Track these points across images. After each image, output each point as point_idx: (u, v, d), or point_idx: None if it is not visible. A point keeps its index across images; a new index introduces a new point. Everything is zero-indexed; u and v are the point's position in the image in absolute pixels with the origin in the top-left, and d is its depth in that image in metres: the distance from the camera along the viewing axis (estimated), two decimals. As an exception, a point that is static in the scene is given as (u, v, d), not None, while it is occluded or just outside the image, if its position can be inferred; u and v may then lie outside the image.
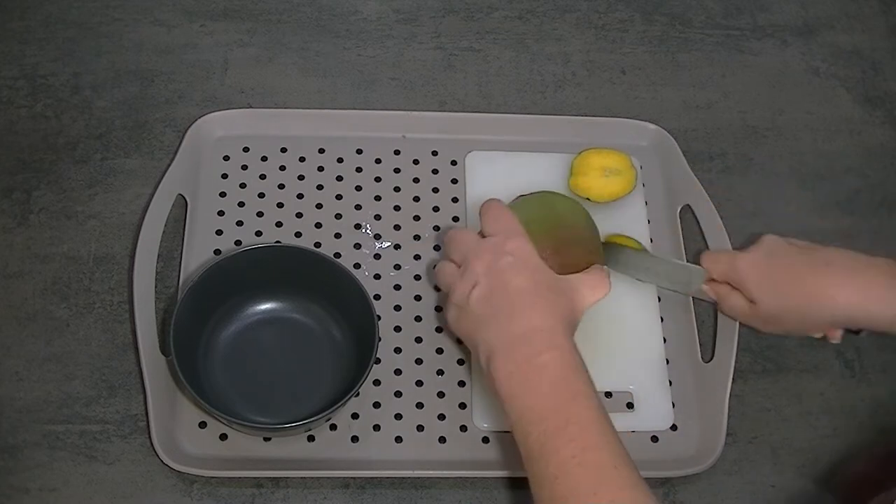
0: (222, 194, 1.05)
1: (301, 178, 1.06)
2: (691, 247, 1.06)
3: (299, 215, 1.04)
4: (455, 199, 1.06)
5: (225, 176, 1.06)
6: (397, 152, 1.08)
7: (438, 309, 1.01)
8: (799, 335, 0.98)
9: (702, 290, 0.98)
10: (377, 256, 1.03)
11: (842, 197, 1.12)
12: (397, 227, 1.04)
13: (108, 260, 1.01)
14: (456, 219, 1.05)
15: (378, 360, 0.96)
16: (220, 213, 1.04)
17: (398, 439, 0.95)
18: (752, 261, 0.94)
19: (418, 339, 0.99)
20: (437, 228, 1.05)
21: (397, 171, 1.08)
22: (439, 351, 0.99)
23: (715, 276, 0.97)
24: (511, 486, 0.94)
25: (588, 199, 1.04)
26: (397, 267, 1.03)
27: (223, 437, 0.93)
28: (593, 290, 0.87)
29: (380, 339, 0.93)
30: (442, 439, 0.95)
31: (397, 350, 0.98)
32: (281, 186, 1.06)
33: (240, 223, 1.03)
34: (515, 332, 0.82)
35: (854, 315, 0.91)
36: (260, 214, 1.04)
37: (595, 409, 0.78)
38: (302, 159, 1.07)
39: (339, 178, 1.07)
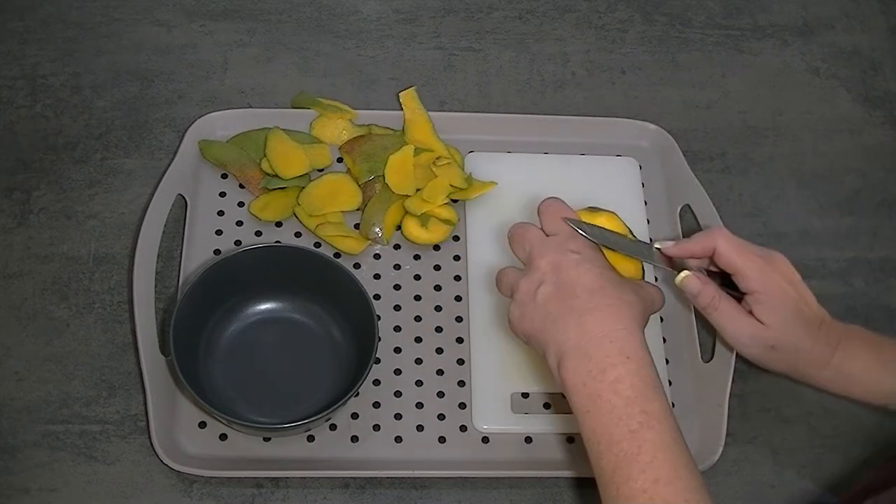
0: (222, 194, 1.05)
1: (301, 178, 1.06)
2: (691, 247, 1.06)
3: (299, 215, 1.04)
4: (455, 200, 1.06)
5: (225, 176, 1.06)
6: (397, 152, 1.09)
7: (438, 309, 1.01)
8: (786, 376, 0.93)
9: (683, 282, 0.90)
10: (377, 256, 1.03)
11: (842, 197, 1.12)
12: (397, 227, 1.04)
13: (108, 260, 1.01)
14: (456, 219, 1.05)
15: (378, 360, 0.96)
16: (220, 213, 1.04)
17: (398, 439, 0.95)
18: (763, 268, 0.88)
19: (418, 339, 0.99)
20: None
21: (397, 171, 1.08)
22: (439, 351, 0.99)
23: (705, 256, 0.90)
24: (511, 485, 0.94)
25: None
26: (397, 267, 1.03)
27: (223, 437, 0.93)
28: (654, 300, 0.87)
29: (380, 339, 0.93)
30: (442, 439, 0.95)
31: (397, 350, 0.99)
32: (281, 186, 1.06)
33: (240, 223, 1.03)
34: (588, 336, 0.79)
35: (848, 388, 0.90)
36: (260, 214, 1.04)
37: (668, 431, 0.76)
38: (302, 159, 1.07)
39: (339, 178, 1.07)
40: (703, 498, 0.74)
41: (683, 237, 1.05)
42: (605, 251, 0.89)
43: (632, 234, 0.93)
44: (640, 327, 0.82)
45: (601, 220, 0.92)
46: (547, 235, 0.89)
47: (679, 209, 1.08)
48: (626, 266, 0.91)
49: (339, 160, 1.07)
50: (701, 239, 0.90)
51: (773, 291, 0.88)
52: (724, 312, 0.89)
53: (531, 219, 0.93)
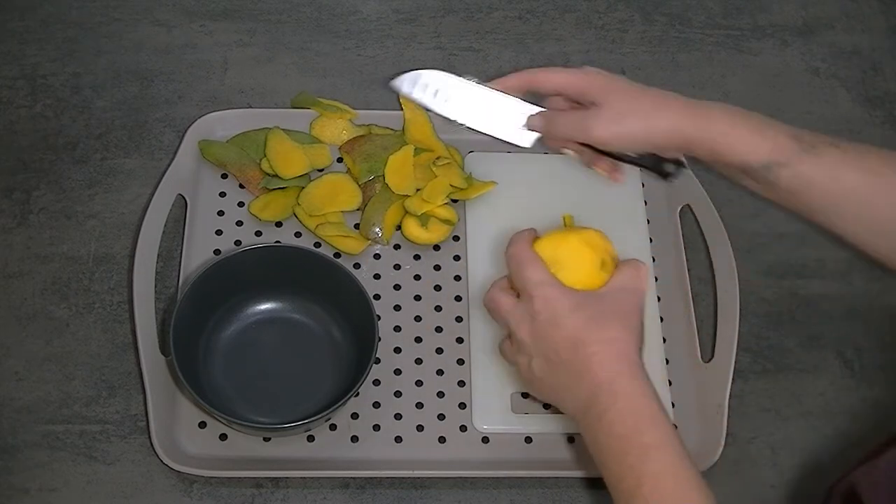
0: (222, 194, 1.05)
1: (301, 178, 1.06)
2: (691, 247, 1.06)
3: (299, 215, 1.04)
4: (455, 200, 1.06)
5: (225, 176, 1.06)
6: (397, 152, 1.08)
7: (438, 309, 1.01)
8: (631, 150, 0.91)
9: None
10: (377, 256, 1.03)
11: (842, 197, 1.12)
12: (397, 227, 1.04)
13: (108, 260, 1.01)
14: (456, 219, 1.05)
15: (378, 360, 0.96)
16: (220, 213, 1.04)
17: (398, 439, 0.95)
18: (596, 71, 0.93)
19: (418, 339, 0.99)
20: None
21: (397, 171, 1.08)
22: (439, 351, 0.99)
23: (552, 91, 0.94)
24: (511, 485, 0.94)
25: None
26: (397, 267, 1.03)
27: (223, 437, 0.93)
28: (634, 291, 0.85)
29: (379, 339, 0.93)
30: (442, 439, 0.95)
31: (397, 350, 0.99)
32: (281, 186, 1.06)
33: (240, 223, 1.03)
34: (583, 396, 0.81)
35: (692, 137, 0.88)
36: (260, 214, 1.04)
37: (669, 458, 0.77)
38: (302, 159, 1.07)
39: (339, 178, 1.07)
40: None
41: (683, 242, 1.05)
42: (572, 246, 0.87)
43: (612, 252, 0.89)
44: (631, 354, 0.81)
45: (577, 238, 0.88)
46: (515, 291, 0.86)
47: (679, 209, 1.08)
48: (592, 270, 0.87)
49: (339, 160, 1.07)
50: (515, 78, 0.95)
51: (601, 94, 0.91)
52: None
53: (531, 219, 0.92)
